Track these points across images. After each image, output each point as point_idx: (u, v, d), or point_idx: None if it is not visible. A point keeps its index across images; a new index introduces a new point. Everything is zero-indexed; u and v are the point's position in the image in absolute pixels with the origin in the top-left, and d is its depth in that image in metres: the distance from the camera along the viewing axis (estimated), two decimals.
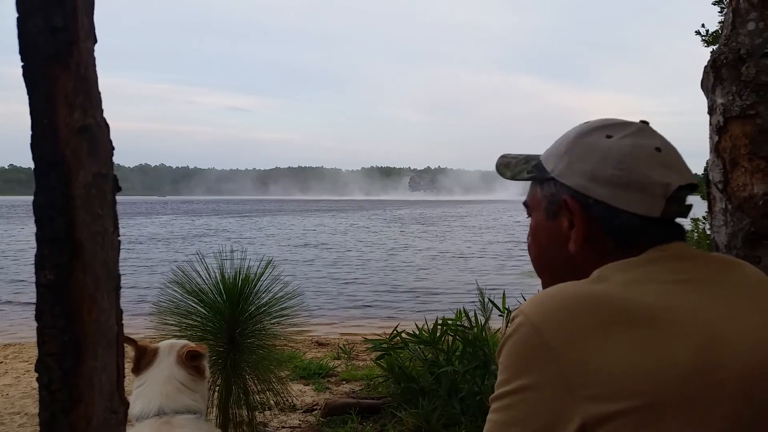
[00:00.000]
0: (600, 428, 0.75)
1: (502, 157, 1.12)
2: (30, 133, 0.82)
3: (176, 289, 4.17)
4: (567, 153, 0.99)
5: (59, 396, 0.85)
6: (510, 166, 1.09)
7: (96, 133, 0.85)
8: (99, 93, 0.87)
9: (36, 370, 0.86)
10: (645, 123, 0.99)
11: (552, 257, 1.03)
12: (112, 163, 0.90)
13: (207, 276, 4.23)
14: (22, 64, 0.81)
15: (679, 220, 0.98)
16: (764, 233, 1.89)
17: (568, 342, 0.79)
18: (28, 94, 0.81)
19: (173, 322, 4.08)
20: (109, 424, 0.90)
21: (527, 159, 1.08)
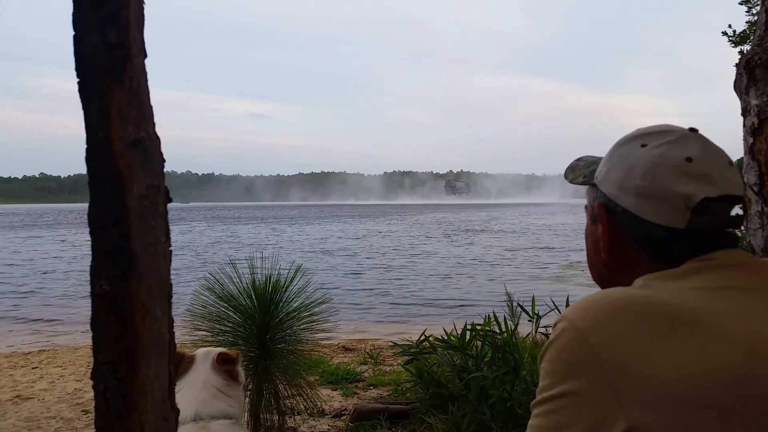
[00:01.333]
0: None
1: (576, 160, 1.15)
2: (84, 146, 0.84)
3: (208, 294, 4.23)
4: (608, 161, 1.01)
5: (114, 404, 0.87)
6: (575, 170, 1.12)
7: (148, 146, 0.87)
8: (151, 107, 0.90)
9: (92, 379, 0.88)
10: (692, 130, 0.96)
11: (595, 261, 1.05)
12: (164, 174, 0.92)
13: (238, 282, 4.28)
14: (77, 79, 0.84)
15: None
16: None
17: (613, 346, 0.79)
18: (83, 108, 0.83)
19: (205, 328, 4.14)
20: (161, 431, 0.92)
21: (591, 164, 1.11)
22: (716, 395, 0.75)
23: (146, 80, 0.89)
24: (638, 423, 0.75)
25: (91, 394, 6.23)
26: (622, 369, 0.77)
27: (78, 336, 10.09)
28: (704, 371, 0.76)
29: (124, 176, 0.84)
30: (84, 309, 12.71)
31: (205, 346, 3.07)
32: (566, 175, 1.14)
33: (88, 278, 0.87)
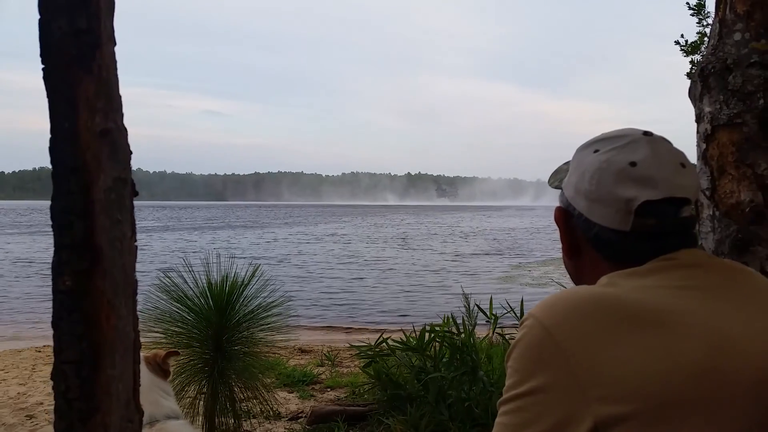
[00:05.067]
0: (611, 429, 0.76)
1: (563, 164, 1.15)
2: (49, 136, 0.81)
3: (161, 295, 4.14)
4: (570, 166, 1.04)
5: (76, 405, 0.84)
6: (557, 174, 1.13)
7: (116, 137, 0.84)
8: (120, 96, 0.87)
9: (52, 379, 0.84)
10: (647, 134, 0.98)
11: (565, 262, 1.08)
12: (131, 167, 0.89)
13: (194, 282, 4.19)
14: (42, 67, 0.80)
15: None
16: (751, 239, 1.92)
17: (579, 343, 0.80)
18: (48, 97, 0.80)
19: (158, 329, 4.04)
20: None
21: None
22: (682, 391, 0.77)
23: (116, 69, 0.86)
24: (605, 419, 0.76)
25: (35, 398, 6.01)
26: (589, 365, 0.78)
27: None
28: (670, 367, 0.78)
29: (90, 168, 0.80)
30: None
31: (159, 348, 3.01)
32: (549, 180, 1.15)
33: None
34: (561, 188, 1.07)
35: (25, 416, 5.33)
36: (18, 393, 5.97)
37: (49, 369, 0.93)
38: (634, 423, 0.75)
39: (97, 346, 0.83)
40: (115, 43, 0.85)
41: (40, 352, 8.18)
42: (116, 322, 0.85)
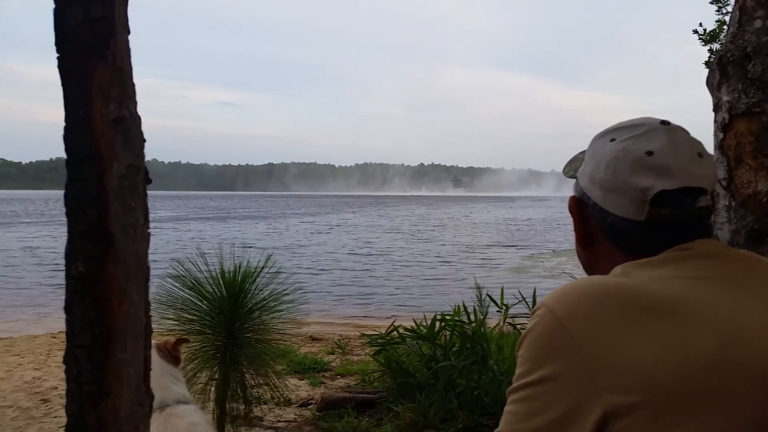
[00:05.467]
0: (621, 418, 0.76)
1: (578, 153, 1.13)
2: (63, 125, 0.81)
3: (175, 283, 4.16)
4: (586, 155, 1.03)
5: (87, 389, 0.85)
6: (572, 164, 1.11)
7: (130, 125, 0.85)
8: (133, 85, 0.87)
9: (64, 362, 0.86)
10: (664, 123, 0.97)
11: (578, 252, 1.07)
12: (144, 154, 0.90)
13: (207, 270, 4.22)
14: (57, 55, 0.81)
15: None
16: (767, 230, 1.90)
17: (590, 333, 0.80)
18: (63, 85, 0.80)
19: (172, 316, 4.08)
20: (136, 416, 0.90)
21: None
22: (695, 381, 0.76)
23: (130, 57, 0.86)
24: (615, 409, 0.76)
25: (50, 383, 6.09)
26: (600, 355, 0.78)
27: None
28: (683, 358, 0.77)
29: (104, 155, 0.81)
30: None
31: (172, 335, 3.05)
32: (564, 169, 1.13)
33: None
34: (576, 177, 1.06)
35: (40, 400, 5.42)
36: (33, 378, 6.06)
37: (63, 354, 0.95)
38: (645, 413, 0.75)
39: (108, 331, 0.84)
40: (129, 32, 0.85)
41: (55, 338, 8.29)
42: (128, 307, 0.86)
